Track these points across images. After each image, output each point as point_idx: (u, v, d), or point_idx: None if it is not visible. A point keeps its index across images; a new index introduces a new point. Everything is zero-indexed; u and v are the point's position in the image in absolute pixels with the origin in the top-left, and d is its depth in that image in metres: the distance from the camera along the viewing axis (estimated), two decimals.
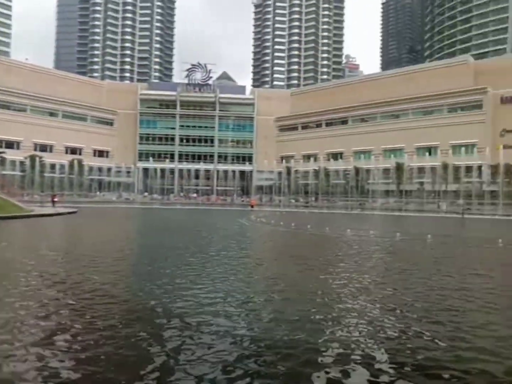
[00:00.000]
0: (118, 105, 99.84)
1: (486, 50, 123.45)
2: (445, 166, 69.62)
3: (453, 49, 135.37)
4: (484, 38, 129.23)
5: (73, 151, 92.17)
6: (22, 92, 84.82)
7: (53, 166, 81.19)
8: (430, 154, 77.48)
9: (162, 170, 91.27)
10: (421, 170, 75.75)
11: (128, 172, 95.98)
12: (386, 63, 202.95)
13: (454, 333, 6.41)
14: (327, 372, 4.99)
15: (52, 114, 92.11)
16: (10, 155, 76.10)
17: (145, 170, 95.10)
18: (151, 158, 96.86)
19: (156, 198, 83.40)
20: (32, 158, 76.59)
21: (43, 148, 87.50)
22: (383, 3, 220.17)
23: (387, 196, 76.16)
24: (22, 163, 76.19)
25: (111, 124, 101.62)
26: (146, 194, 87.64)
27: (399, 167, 75.44)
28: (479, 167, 69.01)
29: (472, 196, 64.48)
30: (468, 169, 69.16)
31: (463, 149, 72.30)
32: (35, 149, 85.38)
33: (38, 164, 76.18)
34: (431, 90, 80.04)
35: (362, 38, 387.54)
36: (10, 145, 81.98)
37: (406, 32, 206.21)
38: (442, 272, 11.87)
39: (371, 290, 9.47)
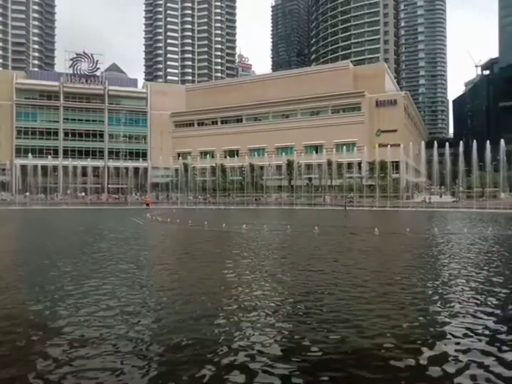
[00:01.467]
0: None
1: (363, 57, 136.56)
2: (329, 163, 75.42)
3: (336, 54, 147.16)
4: (362, 46, 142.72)
5: None
6: None
7: None
8: (316, 152, 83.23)
9: (44, 167, 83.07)
10: (309, 166, 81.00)
11: (3, 169, 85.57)
12: (277, 65, 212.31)
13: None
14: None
15: None
16: None
17: (24, 167, 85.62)
18: (30, 154, 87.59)
19: (39, 198, 75.80)
20: None
21: None
22: (272, 7, 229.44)
23: (280, 191, 79.90)
24: None
25: None
26: (27, 194, 78.87)
27: (290, 164, 79.64)
28: (359, 164, 76.27)
29: (354, 190, 71.08)
30: (350, 165, 75.98)
31: (345, 147, 79.12)
32: None
33: None
34: (317, 92, 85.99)
35: (254, 39, 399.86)
36: None
37: (294, 36, 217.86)
38: (323, 259, 13.06)
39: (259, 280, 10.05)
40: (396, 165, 76.18)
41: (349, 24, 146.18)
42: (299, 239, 20.31)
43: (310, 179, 79.26)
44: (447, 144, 65.23)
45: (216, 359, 5.39)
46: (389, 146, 72.74)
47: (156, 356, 5.56)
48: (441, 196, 71.55)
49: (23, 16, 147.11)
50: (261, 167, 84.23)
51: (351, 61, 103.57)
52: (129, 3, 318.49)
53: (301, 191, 76.89)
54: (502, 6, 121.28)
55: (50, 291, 8.94)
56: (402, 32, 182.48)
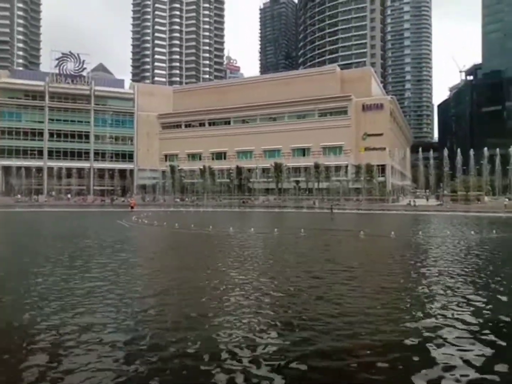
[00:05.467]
0: None
1: (350, 61, 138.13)
2: (317, 166, 76.01)
3: (323, 58, 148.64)
4: (349, 50, 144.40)
5: None
6: None
7: None
8: (304, 155, 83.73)
9: (28, 169, 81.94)
10: (296, 169, 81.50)
11: None
12: (265, 67, 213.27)
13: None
14: None
15: None
16: None
17: (7, 168, 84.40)
18: (14, 155, 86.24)
19: (22, 199, 74.64)
20: None
21: None
22: (260, 10, 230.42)
23: (268, 194, 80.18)
24: None
25: None
26: (19, 196, 76.90)
27: (277, 167, 79.97)
28: (346, 167, 76.99)
29: (340, 193, 71.68)
30: (337, 168, 76.65)
31: (331, 151, 79.69)
32: None
33: None
34: (304, 95, 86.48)
35: (243, 41, 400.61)
36: None
37: (282, 39, 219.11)
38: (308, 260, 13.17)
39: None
40: (382, 169, 77.06)
41: (336, 28, 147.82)
42: (285, 241, 20.40)
43: (297, 182, 79.73)
44: (431, 149, 66.44)
45: None
46: (375, 150, 73.61)
47: None
48: (427, 200, 72.59)
49: (7, 13, 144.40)
50: (249, 170, 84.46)
51: (338, 65, 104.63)
52: (119, 2, 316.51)
53: (289, 194, 77.30)
54: (485, 14, 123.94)
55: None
56: (389, 37, 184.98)
